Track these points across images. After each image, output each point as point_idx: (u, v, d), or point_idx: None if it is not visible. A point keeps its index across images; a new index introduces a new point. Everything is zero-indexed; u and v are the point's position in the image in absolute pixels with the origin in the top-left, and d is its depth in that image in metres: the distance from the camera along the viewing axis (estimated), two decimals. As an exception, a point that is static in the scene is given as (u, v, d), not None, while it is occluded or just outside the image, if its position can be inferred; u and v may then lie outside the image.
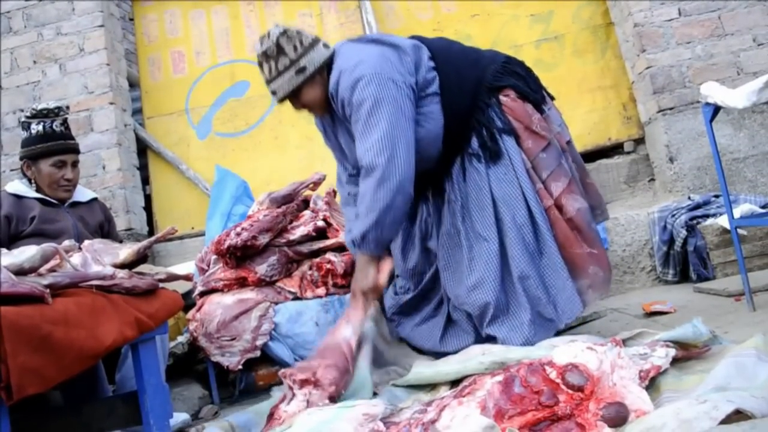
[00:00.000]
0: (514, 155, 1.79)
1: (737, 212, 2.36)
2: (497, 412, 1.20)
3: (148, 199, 3.69)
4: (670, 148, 3.15)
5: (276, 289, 2.38)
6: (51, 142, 2.09)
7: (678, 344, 1.37)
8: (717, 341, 1.44)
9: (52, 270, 1.29)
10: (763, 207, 2.63)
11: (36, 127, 2.08)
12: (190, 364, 2.51)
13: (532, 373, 1.27)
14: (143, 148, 3.73)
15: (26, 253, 1.24)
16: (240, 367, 2.22)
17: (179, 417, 1.98)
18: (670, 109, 3.16)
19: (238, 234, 2.30)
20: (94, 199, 2.31)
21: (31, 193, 2.12)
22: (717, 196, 2.84)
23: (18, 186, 2.13)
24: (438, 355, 1.88)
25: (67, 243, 1.43)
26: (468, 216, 1.83)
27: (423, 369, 1.68)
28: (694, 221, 2.72)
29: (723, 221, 2.55)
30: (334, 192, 2.67)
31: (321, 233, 2.52)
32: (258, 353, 2.24)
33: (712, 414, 0.98)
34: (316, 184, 2.65)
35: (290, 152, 3.65)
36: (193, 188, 3.66)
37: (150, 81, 3.85)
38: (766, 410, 0.99)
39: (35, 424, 1.48)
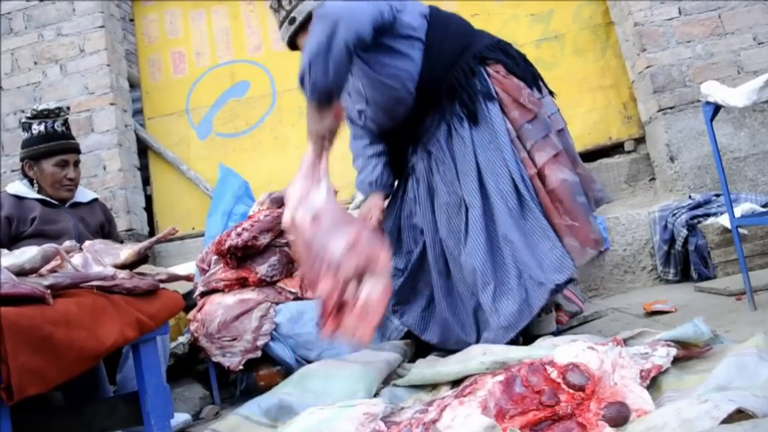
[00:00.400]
0: (498, 122, 1.79)
1: (738, 211, 2.36)
2: (498, 412, 1.20)
3: (148, 199, 3.70)
4: (670, 148, 3.15)
5: (277, 290, 2.38)
6: (53, 141, 2.11)
7: (679, 343, 1.37)
8: (718, 340, 1.44)
9: (53, 271, 1.30)
10: (763, 206, 2.63)
11: (38, 128, 2.09)
12: (191, 365, 2.51)
13: (533, 373, 1.27)
14: (144, 149, 3.73)
15: (27, 253, 1.24)
16: (241, 367, 2.22)
17: (180, 417, 1.98)
18: (671, 108, 3.16)
19: (239, 234, 2.30)
20: (95, 200, 2.32)
21: (32, 194, 2.12)
22: (718, 195, 2.84)
23: (19, 187, 2.14)
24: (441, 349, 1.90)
25: (67, 244, 1.43)
26: (459, 182, 1.84)
27: (424, 369, 1.68)
28: (695, 220, 2.72)
29: (724, 220, 2.55)
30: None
31: (321, 233, 2.52)
32: (259, 353, 2.24)
33: (713, 413, 0.98)
34: (317, 184, 2.64)
35: (290, 152, 3.65)
36: (194, 189, 3.67)
37: (150, 81, 3.86)
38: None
39: (36, 425, 1.48)
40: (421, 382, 1.63)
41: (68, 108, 2.21)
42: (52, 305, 1.18)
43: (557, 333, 1.99)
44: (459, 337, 1.90)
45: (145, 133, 3.73)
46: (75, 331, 1.19)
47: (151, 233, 3.59)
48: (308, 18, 1.86)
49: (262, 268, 2.34)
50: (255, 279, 2.33)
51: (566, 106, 3.50)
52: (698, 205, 2.80)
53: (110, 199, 3.32)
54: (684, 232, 2.71)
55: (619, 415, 1.14)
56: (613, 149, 3.55)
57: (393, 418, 1.35)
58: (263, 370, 2.29)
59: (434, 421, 1.22)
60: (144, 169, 3.72)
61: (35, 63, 3.53)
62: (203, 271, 2.52)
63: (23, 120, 2.14)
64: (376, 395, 1.64)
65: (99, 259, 1.47)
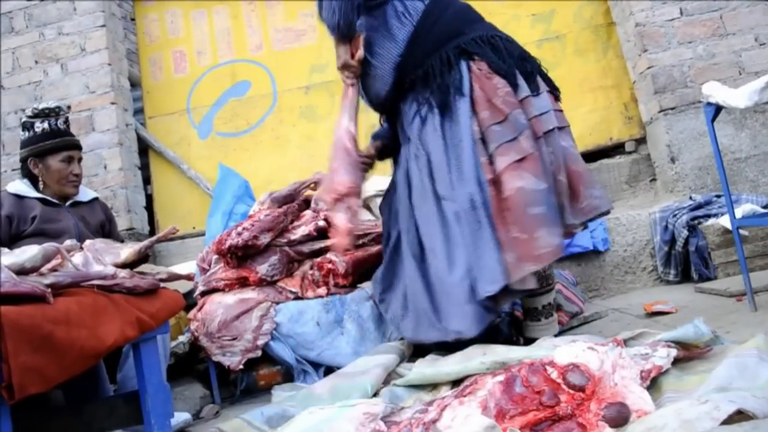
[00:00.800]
0: (464, 120, 1.76)
1: (739, 212, 2.36)
2: (498, 412, 1.20)
3: (149, 198, 3.70)
4: (671, 148, 3.14)
5: (277, 289, 2.38)
6: (58, 138, 2.14)
7: (679, 344, 1.37)
8: (718, 341, 1.44)
9: (53, 269, 1.30)
10: (764, 207, 2.63)
11: (41, 125, 2.12)
12: (191, 364, 2.51)
13: (534, 373, 1.27)
14: (144, 148, 3.73)
15: (28, 252, 1.24)
16: (241, 366, 2.22)
17: (180, 417, 1.98)
18: (672, 108, 3.16)
19: (239, 234, 2.31)
20: (95, 199, 2.33)
21: (32, 192, 2.13)
22: (718, 196, 2.84)
23: (19, 186, 2.14)
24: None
25: (68, 243, 1.43)
26: (432, 173, 1.82)
27: (424, 369, 1.68)
28: (696, 221, 2.72)
29: (724, 221, 2.55)
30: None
31: (322, 233, 2.52)
32: (259, 353, 2.24)
33: (713, 414, 0.98)
34: (317, 183, 2.65)
35: (291, 152, 3.66)
36: (195, 188, 3.67)
37: (151, 81, 3.86)
38: (768, 410, 0.98)
39: (37, 424, 1.48)
40: (421, 381, 1.63)
41: (69, 107, 2.23)
42: (53, 304, 1.18)
43: (557, 333, 1.99)
44: (433, 322, 1.84)
45: (145, 133, 3.73)
46: (75, 330, 1.20)
47: (152, 232, 3.59)
48: None
49: (263, 268, 2.35)
50: (255, 278, 2.33)
51: (567, 107, 3.48)
52: (699, 206, 2.80)
53: (111, 198, 3.33)
54: (685, 232, 2.71)
55: (620, 416, 1.14)
56: (614, 150, 3.55)
57: (393, 418, 1.35)
58: (263, 370, 2.30)
59: (434, 421, 1.22)
60: (145, 168, 3.72)
61: (36, 62, 3.53)
62: (204, 271, 2.52)
63: (24, 119, 2.15)
64: (375, 395, 1.64)
65: (99, 258, 1.47)
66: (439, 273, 1.79)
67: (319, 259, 2.42)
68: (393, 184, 2.06)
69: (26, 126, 2.14)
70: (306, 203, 2.63)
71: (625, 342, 1.45)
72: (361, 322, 2.27)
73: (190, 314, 2.35)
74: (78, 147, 2.21)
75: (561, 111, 1.89)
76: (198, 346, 2.28)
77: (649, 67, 3.19)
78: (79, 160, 2.21)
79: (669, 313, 2.20)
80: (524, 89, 1.79)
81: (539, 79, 1.86)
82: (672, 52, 3.18)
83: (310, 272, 2.42)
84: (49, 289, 1.19)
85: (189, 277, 1.75)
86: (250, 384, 2.29)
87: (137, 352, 1.47)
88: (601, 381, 1.23)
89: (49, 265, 1.29)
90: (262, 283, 2.35)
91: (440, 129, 1.80)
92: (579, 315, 2.40)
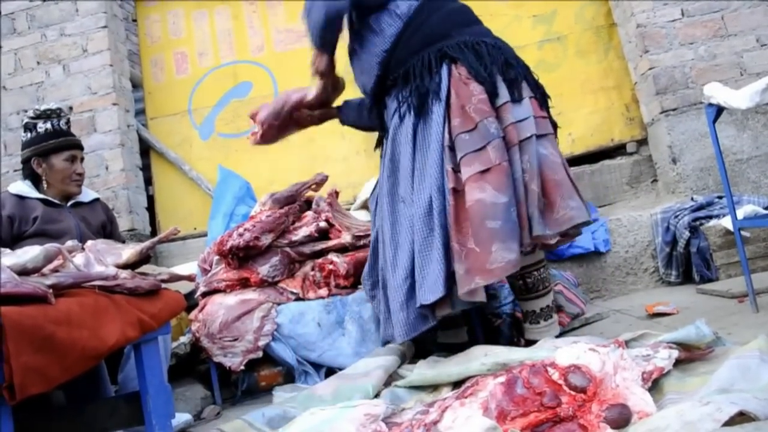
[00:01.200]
0: (436, 126, 1.76)
1: (740, 213, 2.35)
2: (499, 413, 1.20)
3: (150, 199, 3.70)
4: (673, 149, 3.14)
5: (278, 290, 2.38)
6: (62, 138, 2.17)
7: (681, 346, 1.37)
8: (720, 343, 1.44)
9: (55, 270, 1.30)
10: (766, 208, 2.62)
11: (44, 126, 2.14)
12: (192, 365, 2.51)
13: (535, 375, 1.27)
14: (146, 149, 3.74)
15: (29, 253, 1.24)
16: (242, 367, 2.22)
17: (181, 417, 1.98)
18: (673, 110, 3.16)
19: (241, 235, 2.31)
20: (97, 200, 2.34)
21: (34, 193, 2.14)
22: (720, 197, 2.84)
23: (21, 186, 2.15)
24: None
25: (70, 243, 1.44)
26: (396, 173, 1.83)
27: (425, 370, 1.68)
28: (697, 222, 2.71)
29: (726, 222, 2.54)
30: (337, 193, 2.68)
31: (323, 234, 2.52)
32: (260, 354, 2.24)
33: (715, 416, 0.98)
34: (319, 184, 2.65)
35: (292, 153, 3.65)
36: (196, 189, 3.67)
37: (153, 82, 3.86)
38: (770, 412, 0.98)
39: (38, 424, 1.48)
40: (422, 383, 1.63)
41: (70, 108, 2.25)
42: (54, 305, 1.18)
43: (559, 335, 1.99)
44: (387, 322, 1.85)
45: (147, 134, 3.73)
46: (77, 331, 1.20)
47: (153, 233, 3.59)
48: None
49: (264, 269, 2.35)
50: (256, 279, 2.34)
51: (569, 108, 3.53)
52: (700, 207, 2.79)
53: (112, 199, 3.33)
54: (686, 233, 2.71)
55: (621, 417, 1.14)
56: (616, 151, 3.55)
57: (394, 419, 1.35)
58: (264, 371, 2.30)
59: (435, 422, 1.21)
60: (146, 169, 3.72)
61: (38, 63, 3.53)
62: (205, 272, 2.53)
63: (26, 120, 2.16)
64: (376, 396, 1.64)
65: (101, 259, 1.47)
66: (385, 274, 1.84)
67: (320, 260, 2.42)
68: (378, 180, 2.07)
69: (29, 127, 2.15)
70: (307, 204, 2.63)
71: (627, 343, 1.45)
72: (362, 323, 2.27)
73: (192, 315, 2.35)
74: (80, 147, 2.24)
75: (545, 118, 1.85)
76: (199, 346, 2.28)
77: (650, 68, 3.19)
78: (82, 159, 2.24)
79: (670, 314, 2.19)
80: (504, 95, 1.77)
81: (524, 85, 1.82)
82: (673, 53, 3.18)
83: (312, 273, 2.42)
84: (51, 290, 1.19)
85: (190, 278, 1.76)
86: (251, 385, 2.29)
87: (138, 353, 1.47)
88: (603, 382, 1.23)
89: (50, 266, 1.29)
90: (263, 284, 2.35)
91: (412, 131, 1.80)
92: (580, 316, 2.40)
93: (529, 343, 1.86)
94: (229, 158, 3.68)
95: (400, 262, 1.75)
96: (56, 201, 2.16)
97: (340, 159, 3.64)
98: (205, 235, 3.42)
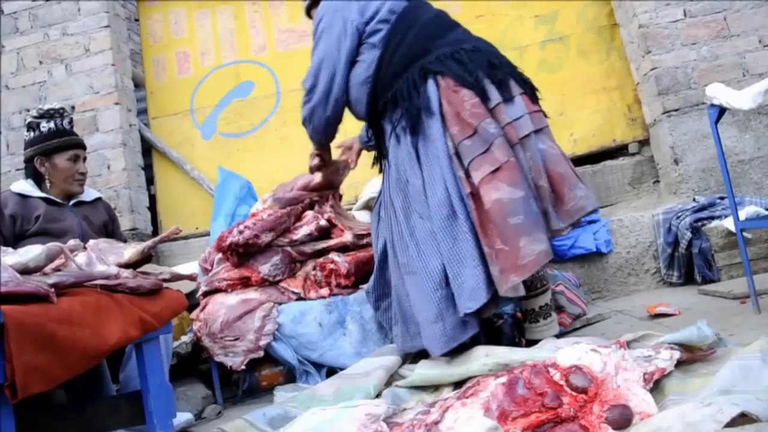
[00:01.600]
0: (437, 138, 1.76)
1: (742, 214, 2.35)
2: (501, 414, 1.20)
3: (152, 199, 3.71)
4: (675, 150, 3.14)
5: (279, 290, 2.38)
6: (65, 137, 2.18)
7: (683, 347, 1.36)
8: (722, 344, 1.44)
9: (57, 269, 1.30)
10: (768, 209, 2.62)
11: (47, 125, 2.15)
12: (193, 364, 2.51)
13: (536, 375, 1.27)
14: (148, 148, 3.74)
15: (31, 252, 1.24)
16: (243, 367, 2.22)
17: (183, 417, 1.99)
18: (675, 110, 3.15)
19: (241, 232, 2.31)
20: (98, 199, 2.34)
21: (36, 192, 2.15)
22: (722, 198, 2.83)
23: (23, 185, 2.16)
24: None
25: (72, 242, 1.44)
26: (407, 192, 1.83)
27: (426, 370, 1.68)
28: (699, 223, 2.71)
29: (728, 223, 2.54)
30: (340, 195, 2.68)
31: (324, 233, 2.52)
32: (261, 353, 2.24)
33: (717, 417, 0.98)
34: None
35: (294, 153, 3.65)
36: (198, 188, 3.67)
37: (155, 81, 3.87)
38: (772, 413, 0.98)
39: (39, 423, 1.49)
40: (423, 383, 1.63)
41: (73, 107, 2.26)
42: (56, 304, 1.18)
43: (560, 335, 1.99)
44: (413, 335, 1.84)
45: (149, 133, 3.74)
46: (78, 330, 1.20)
47: (155, 233, 3.60)
48: None
49: (265, 268, 2.35)
50: (258, 279, 2.34)
51: (570, 108, 3.53)
52: (702, 208, 2.79)
53: (114, 198, 3.33)
54: (688, 234, 2.71)
55: (622, 418, 1.13)
56: (618, 151, 3.54)
57: (395, 419, 1.35)
58: (266, 370, 2.30)
59: (436, 423, 1.21)
60: (148, 168, 3.72)
61: (40, 62, 3.54)
62: (206, 271, 2.53)
63: (30, 119, 2.17)
64: (378, 396, 1.64)
65: (103, 258, 1.47)
66: (401, 288, 1.84)
67: (321, 260, 2.42)
68: (380, 192, 2.07)
69: (32, 126, 2.16)
70: (309, 204, 2.63)
71: (628, 344, 1.45)
72: (363, 323, 2.27)
73: (193, 314, 2.35)
74: (83, 146, 2.25)
75: (538, 111, 1.85)
76: (200, 346, 2.28)
77: (652, 69, 3.18)
78: (84, 159, 2.24)
79: (672, 315, 2.19)
80: (495, 97, 1.77)
81: (512, 83, 1.82)
82: (676, 54, 3.17)
83: (313, 273, 2.42)
84: (53, 289, 1.19)
85: (192, 278, 1.76)
86: (252, 384, 2.29)
87: (140, 352, 1.47)
88: (604, 383, 1.23)
89: (52, 265, 1.29)
90: (264, 283, 2.35)
91: (414, 149, 1.81)
92: (582, 317, 2.40)
93: (530, 343, 1.86)
94: (231, 158, 3.69)
95: (428, 274, 1.74)
96: (58, 200, 2.16)
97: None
98: (206, 234, 3.42)
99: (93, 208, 2.27)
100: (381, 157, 2.08)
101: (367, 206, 2.93)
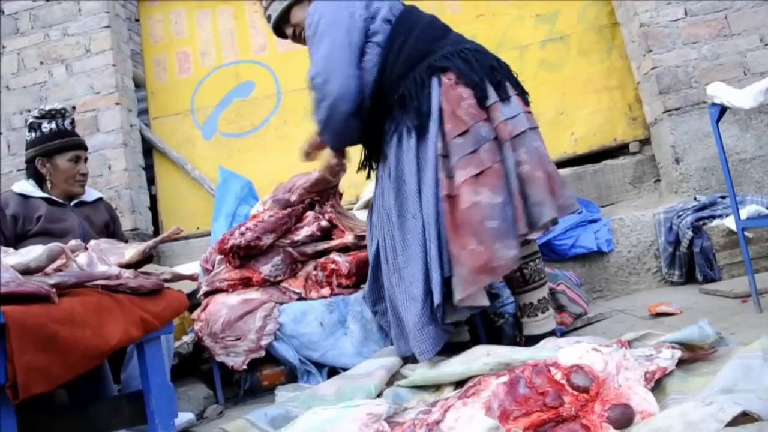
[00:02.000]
0: (432, 137, 1.77)
1: (744, 213, 2.35)
2: (502, 413, 1.19)
3: (153, 199, 3.71)
4: (676, 149, 3.14)
5: (281, 290, 2.38)
6: (66, 138, 2.18)
7: (684, 346, 1.36)
8: (723, 343, 1.44)
9: (58, 269, 1.30)
10: (769, 208, 2.61)
11: (48, 126, 2.15)
12: (195, 364, 2.52)
13: (537, 374, 1.27)
14: (149, 149, 3.75)
15: (33, 252, 1.24)
16: (245, 367, 2.22)
17: (184, 416, 1.99)
18: (676, 109, 3.15)
19: (242, 234, 2.31)
20: (99, 199, 2.34)
21: (38, 192, 2.15)
22: (723, 197, 2.83)
23: (25, 186, 2.16)
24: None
25: (73, 243, 1.44)
26: (403, 191, 1.83)
27: (428, 370, 1.68)
28: (700, 222, 2.71)
29: (729, 222, 2.54)
30: (340, 194, 2.68)
31: (325, 234, 2.52)
32: (263, 353, 2.24)
33: (718, 416, 0.98)
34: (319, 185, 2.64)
35: (295, 152, 3.60)
36: (199, 188, 3.68)
37: (155, 81, 3.87)
38: (773, 412, 0.98)
39: (41, 423, 1.49)
40: (424, 382, 1.63)
41: (74, 108, 2.26)
42: (58, 304, 1.18)
43: (561, 334, 1.98)
44: (406, 337, 1.84)
45: (150, 133, 3.74)
46: (80, 330, 1.20)
47: (156, 233, 3.60)
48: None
49: (266, 268, 2.35)
50: (259, 279, 2.34)
51: (571, 107, 3.53)
52: (703, 207, 2.79)
53: (115, 198, 3.34)
54: (689, 233, 2.70)
55: (624, 417, 1.13)
56: (618, 150, 3.54)
57: (396, 419, 1.35)
58: (267, 370, 2.30)
59: (437, 422, 1.21)
60: (149, 168, 3.73)
61: (41, 63, 3.54)
62: (207, 271, 2.53)
63: (30, 120, 2.17)
64: (379, 396, 1.64)
65: (104, 259, 1.47)
66: (395, 291, 1.84)
67: (322, 260, 2.42)
68: (374, 197, 2.08)
69: (33, 126, 2.16)
70: (310, 204, 2.63)
71: (630, 343, 1.45)
72: (364, 322, 2.27)
73: (194, 314, 2.35)
74: (84, 147, 2.25)
75: (530, 113, 1.89)
76: (202, 346, 2.28)
77: (653, 68, 3.18)
78: (86, 159, 2.24)
79: (673, 314, 2.19)
80: (493, 96, 1.80)
81: (507, 85, 1.85)
82: (676, 53, 3.17)
83: (314, 273, 2.42)
84: (54, 289, 1.19)
85: (193, 278, 1.76)
86: (253, 384, 2.29)
87: (141, 352, 1.47)
88: (605, 382, 1.22)
89: (53, 265, 1.29)
90: (265, 283, 2.35)
91: (414, 149, 1.82)
92: (583, 316, 2.40)
93: (528, 339, 1.86)
94: (232, 158, 3.69)
95: (416, 278, 1.75)
96: (60, 200, 2.17)
97: (342, 159, 3.64)
98: (207, 234, 3.42)
99: (94, 209, 2.28)
100: (371, 160, 2.08)
101: (368, 206, 2.93)
